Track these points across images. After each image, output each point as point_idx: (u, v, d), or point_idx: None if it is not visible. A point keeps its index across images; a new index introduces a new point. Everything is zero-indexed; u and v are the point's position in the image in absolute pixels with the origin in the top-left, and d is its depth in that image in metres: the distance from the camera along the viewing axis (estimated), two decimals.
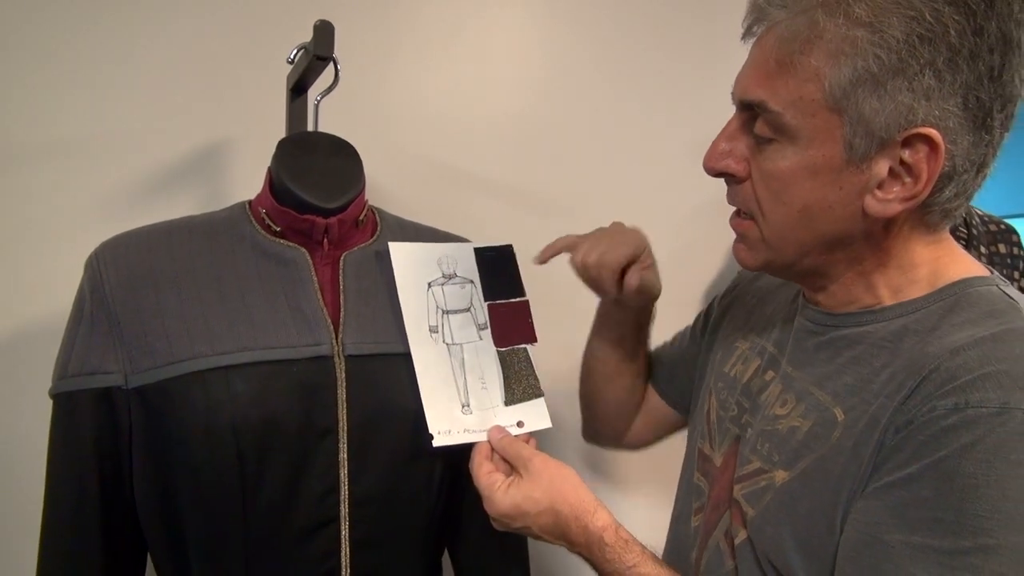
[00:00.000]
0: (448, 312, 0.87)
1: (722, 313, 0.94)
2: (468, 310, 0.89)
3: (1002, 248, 1.30)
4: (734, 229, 0.72)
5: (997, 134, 0.59)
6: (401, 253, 0.87)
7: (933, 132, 0.56)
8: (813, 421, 0.66)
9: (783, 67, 0.60)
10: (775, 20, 0.61)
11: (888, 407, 0.59)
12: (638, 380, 1.03)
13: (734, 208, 0.72)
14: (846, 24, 0.56)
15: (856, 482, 0.60)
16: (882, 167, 0.59)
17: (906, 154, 0.58)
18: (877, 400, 0.61)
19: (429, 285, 0.87)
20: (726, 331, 0.90)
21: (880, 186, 0.60)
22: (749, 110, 0.64)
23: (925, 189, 0.59)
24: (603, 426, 1.07)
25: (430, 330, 0.85)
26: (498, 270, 0.92)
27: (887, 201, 0.60)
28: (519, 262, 0.95)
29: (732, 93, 0.67)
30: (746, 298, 0.90)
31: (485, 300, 0.90)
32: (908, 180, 0.59)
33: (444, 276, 0.89)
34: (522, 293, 0.93)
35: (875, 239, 0.64)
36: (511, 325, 0.90)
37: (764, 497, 0.68)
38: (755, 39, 0.64)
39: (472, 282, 0.90)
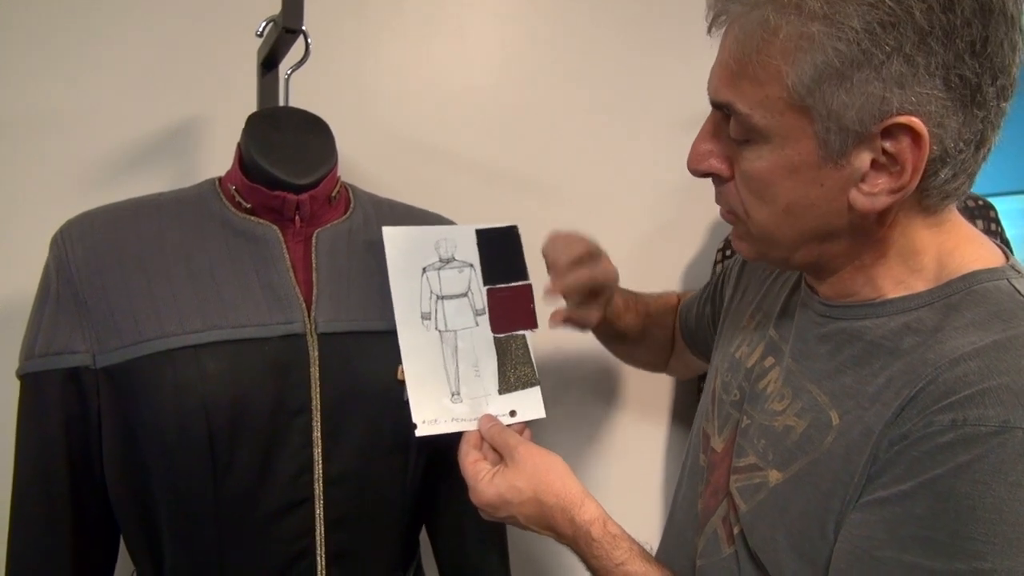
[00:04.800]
0: (443, 297, 0.85)
1: (736, 279, 0.91)
2: (465, 295, 0.86)
3: (980, 224, 1.31)
4: (725, 220, 0.70)
5: (993, 107, 0.56)
6: (395, 238, 0.85)
7: (912, 120, 0.53)
8: (808, 422, 0.64)
9: (743, 67, 0.58)
10: (733, 15, 0.59)
11: (883, 416, 0.57)
12: (656, 346, 1.08)
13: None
14: (799, 20, 0.54)
15: (849, 490, 0.58)
16: (863, 160, 0.56)
17: (888, 145, 0.55)
18: (873, 407, 0.59)
19: (424, 270, 0.85)
20: (738, 303, 0.88)
21: (864, 179, 0.57)
22: (722, 110, 0.62)
23: (913, 179, 0.56)
24: (638, 365, 1.17)
25: (422, 317, 0.83)
26: (500, 252, 0.89)
27: (873, 195, 0.57)
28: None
29: (708, 91, 0.64)
30: (759, 268, 0.87)
31: (484, 285, 0.87)
32: (894, 170, 0.56)
33: (441, 260, 0.86)
34: (524, 276, 0.89)
35: (868, 232, 0.61)
36: (511, 310, 0.87)
37: (757, 495, 0.67)
38: (722, 33, 0.62)
39: (471, 266, 0.87)
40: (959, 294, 0.59)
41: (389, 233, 0.85)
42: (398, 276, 0.83)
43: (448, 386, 0.83)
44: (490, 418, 0.82)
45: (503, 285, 0.88)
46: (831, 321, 0.67)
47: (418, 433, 0.80)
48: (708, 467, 0.78)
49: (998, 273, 0.60)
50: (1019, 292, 0.58)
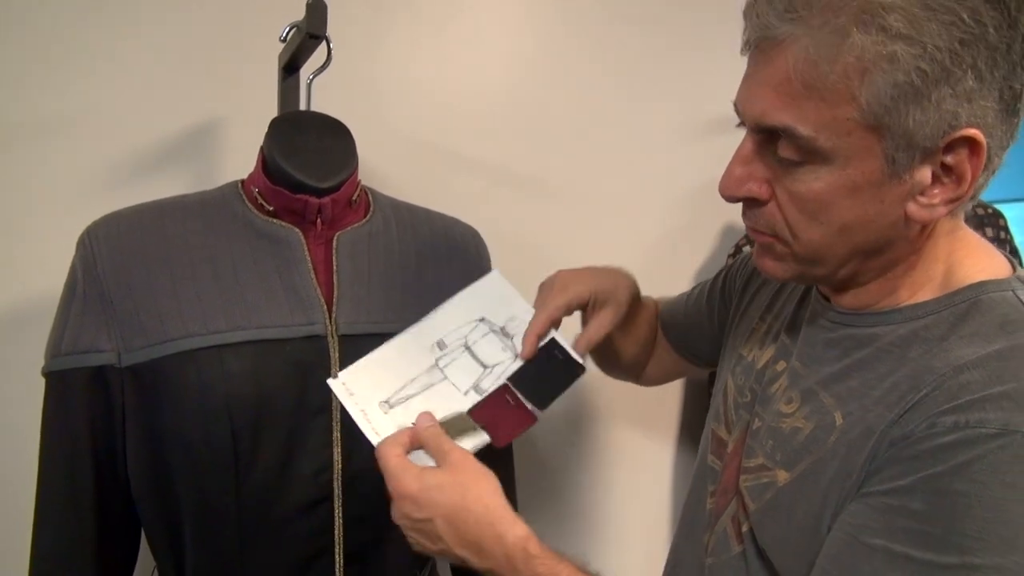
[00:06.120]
0: (469, 349, 0.81)
1: (746, 283, 0.90)
2: (486, 368, 0.81)
3: (989, 232, 1.32)
4: (757, 242, 0.67)
5: (1022, 113, 0.57)
6: (492, 282, 0.84)
7: (976, 133, 0.54)
8: (815, 424, 0.65)
9: (812, 89, 0.55)
10: (788, 36, 0.56)
11: (885, 417, 0.58)
12: (641, 346, 1.04)
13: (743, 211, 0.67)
14: (883, 39, 0.52)
15: (846, 486, 0.59)
16: (925, 174, 0.56)
17: (948, 158, 0.56)
18: (876, 409, 0.60)
19: (482, 319, 0.83)
20: (747, 305, 0.87)
21: (922, 192, 0.57)
22: (766, 132, 0.60)
23: (970, 189, 0.57)
24: (614, 372, 1.10)
25: (437, 343, 0.81)
26: (548, 373, 0.81)
27: (932, 206, 0.58)
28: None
29: (740, 112, 0.62)
30: None
31: (507, 379, 0.80)
32: (948, 182, 0.57)
33: (502, 329, 0.83)
34: (542, 409, 0.80)
35: (912, 241, 0.62)
36: (500, 417, 0.79)
37: (765, 494, 0.68)
38: (759, 52, 0.59)
39: (515, 353, 0.82)
40: (966, 303, 0.60)
41: (493, 276, 0.85)
42: (463, 302, 0.82)
43: (391, 392, 0.77)
44: (429, 417, 0.75)
45: (521, 398, 0.80)
46: (841, 327, 0.68)
47: (329, 381, 0.76)
48: (720, 467, 0.79)
49: (1004, 284, 0.61)
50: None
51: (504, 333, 0.83)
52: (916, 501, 0.54)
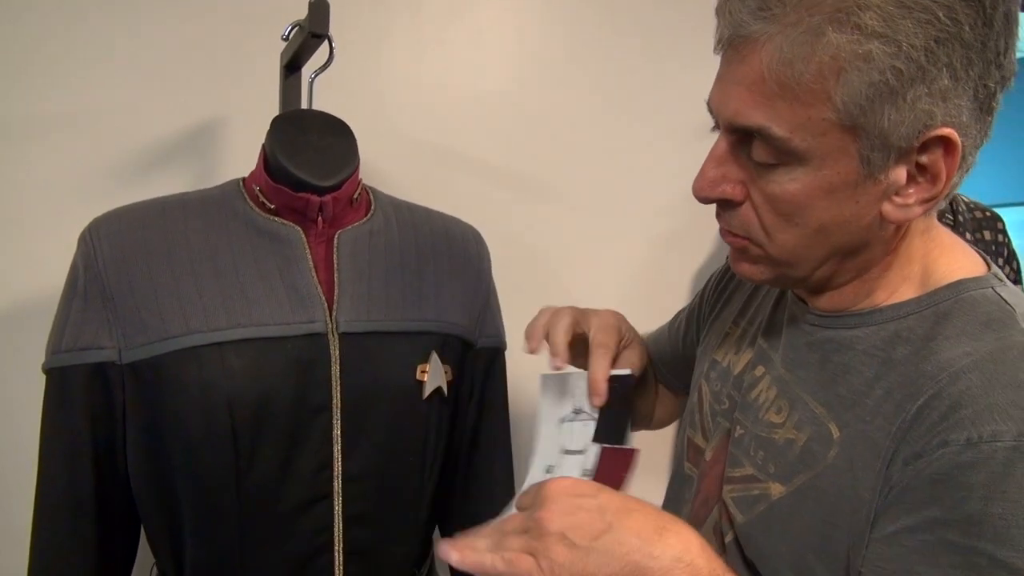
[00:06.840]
0: (567, 452, 0.77)
1: (720, 290, 0.89)
2: (583, 452, 0.76)
3: (987, 235, 1.32)
4: (731, 245, 0.66)
5: (996, 111, 0.57)
6: (549, 384, 0.79)
7: (951, 132, 0.54)
8: (808, 435, 0.64)
9: (787, 89, 0.54)
10: (762, 34, 0.55)
11: (888, 431, 0.57)
12: (651, 393, 0.99)
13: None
14: (858, 38, 0.51)
15: (856, 505, 0.58)
16: (900, 174, 0.56)
17: (923, 157, 0.55)
18: (874, 420, 0.58)
19: (561, 421, 0.79)
20: (723, 308, 0.86)
21: (898, 192, 0.57)
22: (744, 133, 0.59)
23: (945, 188, 0.56)
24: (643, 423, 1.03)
25: (546, 470, 0.77)
26: (618, 405, 0.77)
27: (907, 206, 0.57)
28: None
29: (714, 112, 0.61)
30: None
31: (596, 440, 0.76)
32: (923, 181, 0.56)
33: (573, 411, 0.79)
34: (628, 437, 0.76)
35: (887, 242, 0.62)
36: (612, 476, 0.73)
37: (756, 506, 0.66)
38: (732, 51, 0.58)
39: (593, 420, 0.77)
40: (947, 302, 0.60)
41: (546, 380, 0.79)
42: (545, 427, 0.77)
43: None
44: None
45: (615, 446, 0.75)
46: (820, 330, 0.67)
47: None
48: (696, 476, 0.77)
49: (983, 282, 0.61)
50: (1005, 301, 0.59)
51: (577, 412, 0.78)
52: (953, 532, 0.52)
